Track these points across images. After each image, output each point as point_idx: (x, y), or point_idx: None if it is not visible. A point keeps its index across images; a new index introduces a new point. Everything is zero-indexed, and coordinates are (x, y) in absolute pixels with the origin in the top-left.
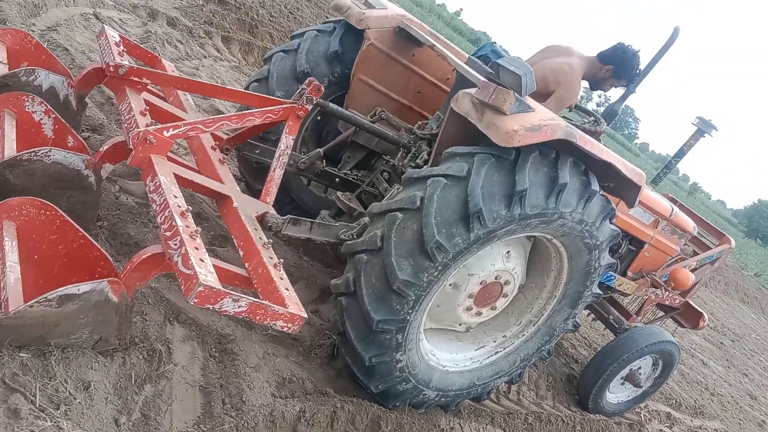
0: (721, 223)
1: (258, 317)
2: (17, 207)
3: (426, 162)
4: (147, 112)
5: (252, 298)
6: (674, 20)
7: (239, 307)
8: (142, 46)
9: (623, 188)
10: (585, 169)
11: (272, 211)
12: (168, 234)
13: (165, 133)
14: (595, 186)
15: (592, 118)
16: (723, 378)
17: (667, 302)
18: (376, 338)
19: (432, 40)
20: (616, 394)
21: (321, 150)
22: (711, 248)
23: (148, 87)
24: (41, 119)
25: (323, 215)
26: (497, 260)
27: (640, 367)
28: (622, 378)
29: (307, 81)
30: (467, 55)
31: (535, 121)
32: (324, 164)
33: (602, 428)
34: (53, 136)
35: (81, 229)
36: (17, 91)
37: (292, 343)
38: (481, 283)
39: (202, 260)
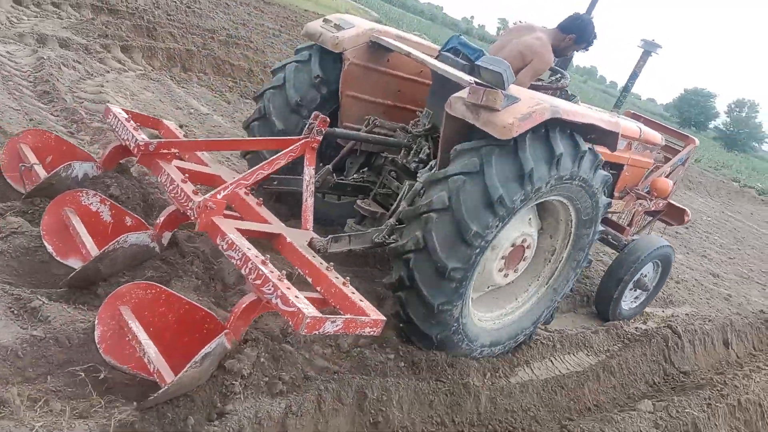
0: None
1: (350, 330)
2: (127, 293)
3: (428, 156)
4: (187, 179)
5: (344, 316)
6: None
7: (336, 326)
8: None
9: (604, 138)
10: (571, 133)
11: (315, 235)
12: (258, 282)
13: (218, 196)
14: (583, 145)
15: (558, 74)
16: (684, 265)
17: (653, 209)
18: (439, 318)
19: (403, 46)
20: (629, 300)
21: (330, 166)
22: (679, 151)
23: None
24: (98, 208)
25: (350, 224)
26: (517, 228)
27: (645, 273)
28: (632, 286)
29: (313, 115)
30: (437, 48)
31: (525, 110)
32: (335, 177)
33: (580, 340)
34: (112, 221)
35: (183, 297)
36: (61, 187)
37: None
38: (508, 249)
39: (297, 297)
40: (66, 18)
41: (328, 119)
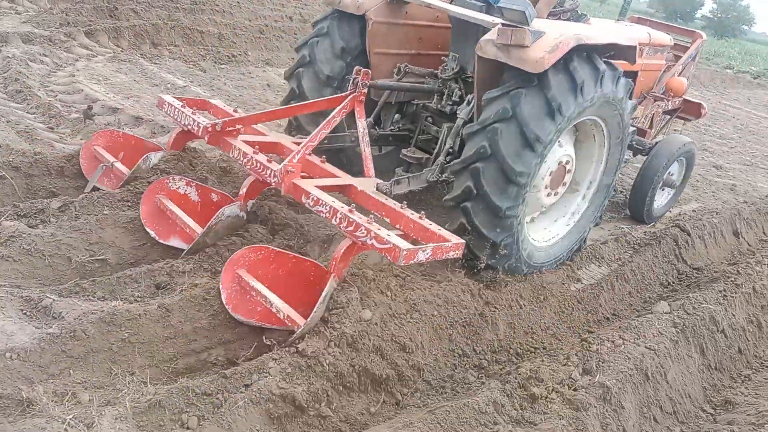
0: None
1: (438, 255)
2: (241, 257)
3: (460, 98)
4: (258, 150)
5: (432, 244)
6: None
7: (427, 254)
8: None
9: (624, 53)
10: (588, 56)
11: (379, 181)
12: (351, 228)
13: (294, 160)
14: (602, 66)
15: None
16: None
17: (670, 108)
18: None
19: None
20: (659, 199)
21: (371, 119)
22: (688, 47)
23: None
24: (185, 190)
25: (398, 173)
26: (557, 152)
27: (672, 172)
28: (661, 185)
29: (355, 70)
30: None
31: (552, 43)
32: (377, 130)
33: (591, 252)
34: (199, 199)
35: (289, 252)
36: (144, 178)
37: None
38: (550, 173)
39: (389, 235)
40: (24, 12)
41: (370, 71)
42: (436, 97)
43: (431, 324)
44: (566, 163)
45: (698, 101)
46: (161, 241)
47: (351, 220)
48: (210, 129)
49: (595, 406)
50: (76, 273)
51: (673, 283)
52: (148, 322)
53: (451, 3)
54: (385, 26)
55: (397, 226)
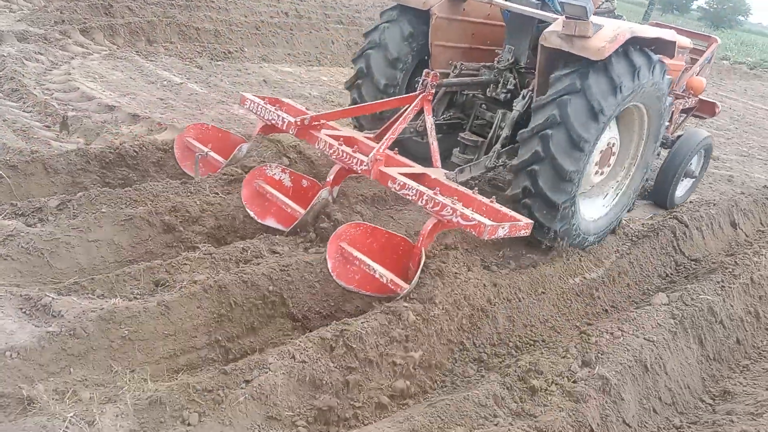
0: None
1: (513, 232)
2: (344, 232)
3: (515, 86)
4: (342, 142)
5: (508, 222)
6: None
7: (505, 231)
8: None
9: (664, 47)
10: (640, 48)
11: (446, 171)
12: (436, 209)
13: (380, 151)
14: (652, 56)
15: (607, 2)
16: None
17: (688, 105)
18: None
19: None
20: (680, 188)
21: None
22: (704, 51)
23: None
24: (280, 177)
25: (455, 153)
26: (606, 134)
27: (691, 163)
28: (681, 175)
29: (425, 73)
30: None
31: (611, 34)
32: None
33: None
34: (291, 185)
35: (382, 228)
36: (239, 166)
37: None
38: (600, 152)
39: (472, 213)
40: (18, 10)
41: (438, 74)
42: (491, 86)
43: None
44: (612, 146)
45: (713, 101)
46: (259, 220)
47: (437, 201)
48: (299, 123)
49: (595, 398)
50: (75, 271)
51: (672, 274)
52: (147, 320)
53: (508, 0)
54: (446, 21)
55: (470, 208)
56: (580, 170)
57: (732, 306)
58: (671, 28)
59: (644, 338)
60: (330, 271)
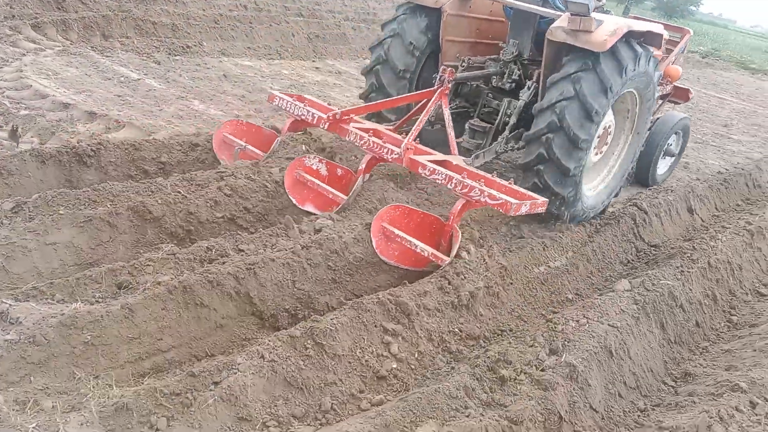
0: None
1: (533, 209)
2: (385, 213)
3: (519, 77)
4: (372, 134)
5: (529, 200)
6: None
7: (527, 207)
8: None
9: (653, 40)
10: (628, 41)
11: (462, 157)
12: (465, 191)
13: (411, 141)
14: (639, 48)
15: None
16: None
17: (666, 92)
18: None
19: None
20: (662, 167)
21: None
22: (678, 42)
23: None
24: (317, 167)
25: (465, 138)
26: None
27: (671, 143)
28: (663, 154)
29: (441, 69)
30: None
31: (611, 28)
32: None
33: (554, 233)
34: (327, 174)
35: (418, 209)
36: (276, 158)
37: None
38: (598, 136)
39: (496, 193)
40: None
41: (455, 71)
42: (496, 77)
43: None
44: (608, 127)
45: (686, 87)
46: (300, 206)
47: (466, 184)
48: (331, 118)
49: (563, 385)
50: (33, 276)
51: (633, 260)
52: (111, 324)
53: None
54: (455, 18)
55: (492, 190)
56: (590, 139)
57: (691, 290)
58: (644, 20)
59: (608, 324)
60: (374, 248)
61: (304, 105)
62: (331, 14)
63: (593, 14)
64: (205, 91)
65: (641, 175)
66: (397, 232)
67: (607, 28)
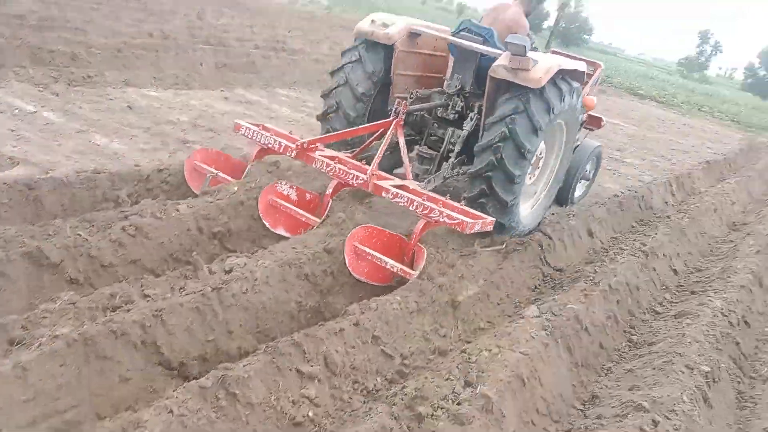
0: None
1: (483, 227)
2: (356, 233)
3: (462, 108)
4: (337, 161)
5: (480, 220)
6: None
7: (478, 226)
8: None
9: (578, 76)
10: (564, 77)
11: (416, 182)
12: (426, 212)
13: (375, 167)
14: (573, 83)
15: (531, 36)
16: None
17: (581, 120)
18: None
19: (434, 32)
20: (578, 189)
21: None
22: (592, 75)
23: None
24: (288, 192)
25: (414, 165)
26: None
27: (587, 168)
28: (579, 178)
29: (397, 102)
30: (447, 29)
31: (545, 67)
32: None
33: (467, 260)
34: (296, 198)
35: (384, 229)
36: (251, 184)
37: None
38: (532, 161)
39: (454, 213)
40: None
41: (407, 104)
42: (441, 108)
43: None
44: (540, 155)
45: (599, 116)
46: (272, 229)
47: (426, 206)
48: (299, 147)
49: (479, 418)
50: None
51: (540, 286)
52: (1, 385)
53: (455, 36)
54: (405, 54)
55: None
56: (524, 174)
57: (594, 312)
58: (564, 54)
59: (520, 352)
60: (347, 265)
61: (271, 135)
62: (239, 42)
63: (529, 54)
64: (107, 124)
65: (561, 196)
66: (368, 250)
67: (542, 67)
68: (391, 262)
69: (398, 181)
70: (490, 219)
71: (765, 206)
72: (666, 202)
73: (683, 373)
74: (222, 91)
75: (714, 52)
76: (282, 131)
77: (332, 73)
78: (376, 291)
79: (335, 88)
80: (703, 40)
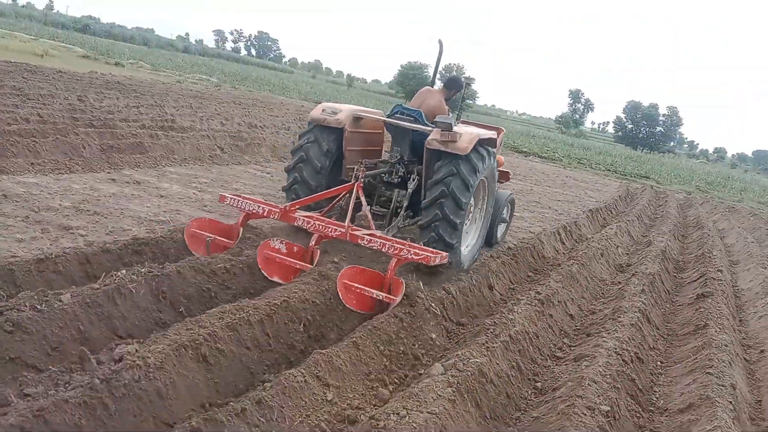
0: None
1: (441, 261)
2: (345, 272)
3: (403, 174)
4: (315, 219)
5: (439, 254)
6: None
7: (438, 260)
8: None
9: (491, 142)
10: (482, 145)
11: (380, 232)
12: (395, 251)
13: (349, 222)
14: (490, 149)
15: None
16: None
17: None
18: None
19: (374, 115)
20: (499, 230)
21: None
22: (497, 138)
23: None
24: (278, 246)
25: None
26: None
27: (504, 213)
28: (498, 221)
29: (357, 168)
30: (383, 113)
31: (469, 138)
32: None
33: (375, 318)
34: (286, 251)
35: (367, 268)
36: (240, 247)
37: None
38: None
39: (419, 251)
40: None
41: (365, 170)
42: (386, 174)
43: None
44: (471, 206)
45: (507, 170)
46: (269, 277)
47: (397, 246)
48: (282, 210)
49: None
50: None
51: (444, 342)
52: None
53: (392, 117)
54: (352, 133)
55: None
56: (462, 221)
57: (498, 364)
58: (471, 123)
59: (427, 412)
60: (341, 298)
61: (254, 202)
62: (125, 123)
63: (454, 128)
64: None
65: (488, 237)
66: (355, 285)
67: (466, 138)
68: (376, 291)
69: (367, 231)
70: (445, 254)
71: (645, 247)
72: (557, 251)
73: (585, 414)
74: (108, 172)
75: (586, 110)
76: (256, 197)
77: (293, 152)
78: (280, 367)
79: (298, 164)
80: (575, 99)
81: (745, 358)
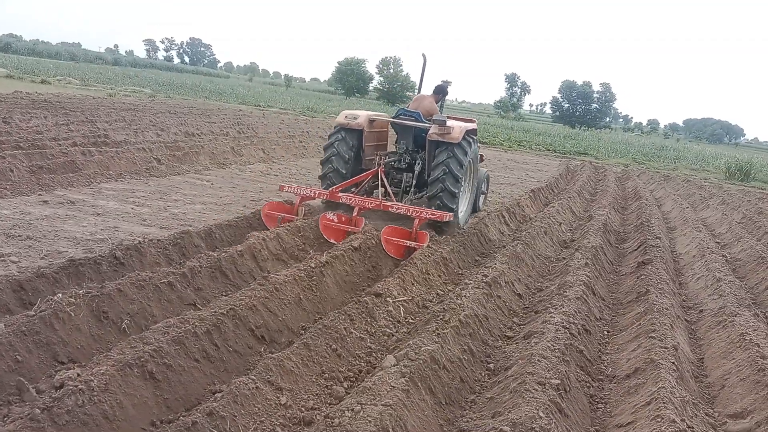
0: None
1: (447, 219)
2: (386, 230)
3: (409, 162)
4: (354, 196)
5: (447, 214)
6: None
7: (446, 218)
8: None
9: (474, 132)
10: (469, 134)
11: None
12: (417, 213)
13: (383, 197)
14: (471, 138)
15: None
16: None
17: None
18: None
19: (385, 117)
20: (480, 200)
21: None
22: (476, 128)
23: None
24: (332, 217)
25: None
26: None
27: (483, 187)
28: (479, 193)
29: (379, 156)
30: (389, 115)
31: (459, 130)
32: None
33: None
34: (337, 220)
35: (397, 226)
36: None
37: None
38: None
39: (434, 212)
40: None
41: (385, 157)
42: (395, 162)
43: None
44: (463, 180)
45: (482, 153)
46: (330, 240)
47: (418, 209)
48: (330, 192)
49: None
50: None
51: (395, 333)
52: None
53: (395, 118)
54: (368, 133)
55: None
56: (459, 191)
57: (450, 349)
58: (453, 117)
59: (382, 405)
60: (384, 249)
61: (307, 187)
62: (55, 142)
63: (448, 124)
64: None
65: (474, 206)
66: (392, 238)
67: (457, 130)
68: (407, 242)
69: (393, 202)
70: (450, 213)
71: (587, 222)
72: (501, 233)
73: (536, 390)
74: (39, 194)
75: (523, 93)
76: (304, 185)
77: (325, 148)
78: (231, 376)
79: (331, 156)
80: (512, 82)
81: (686, 320)
